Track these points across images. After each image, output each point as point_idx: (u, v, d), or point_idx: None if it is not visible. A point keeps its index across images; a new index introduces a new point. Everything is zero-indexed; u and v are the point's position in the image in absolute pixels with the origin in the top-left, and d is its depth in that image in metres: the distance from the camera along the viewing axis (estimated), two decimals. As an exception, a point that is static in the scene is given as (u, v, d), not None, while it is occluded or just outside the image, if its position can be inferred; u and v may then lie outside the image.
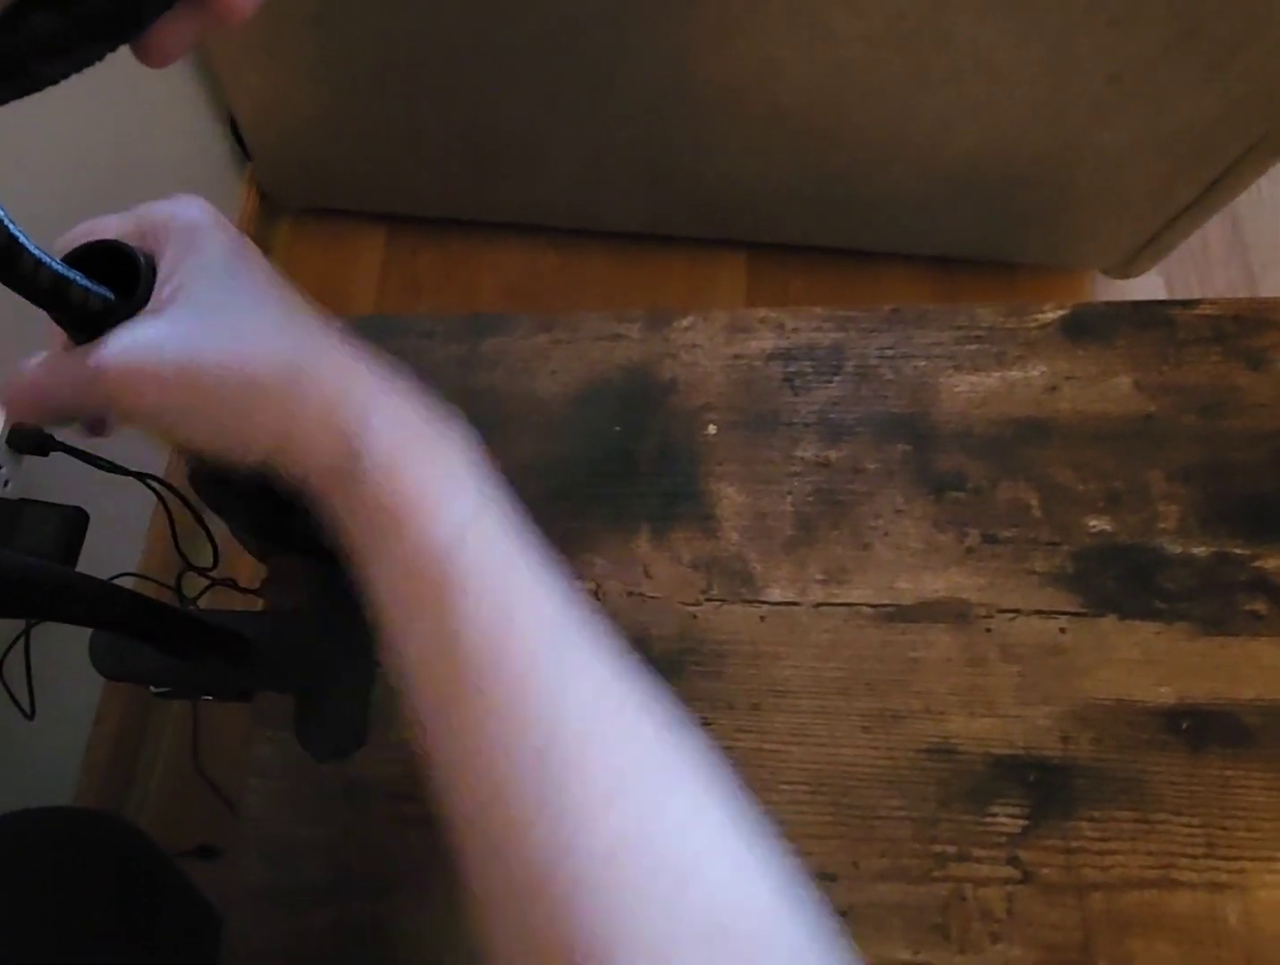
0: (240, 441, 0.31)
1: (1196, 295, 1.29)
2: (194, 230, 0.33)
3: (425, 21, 0.97)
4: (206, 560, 0.51)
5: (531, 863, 0.26)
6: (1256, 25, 0.87)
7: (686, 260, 1.31)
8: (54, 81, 0.23)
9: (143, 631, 0.40)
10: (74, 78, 0.24)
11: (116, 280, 0.32)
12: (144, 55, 0.25)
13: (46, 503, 0.45)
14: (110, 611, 0.37)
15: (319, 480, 0.31)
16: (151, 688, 0.50)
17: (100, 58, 0.23)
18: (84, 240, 0.33)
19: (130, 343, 0.31)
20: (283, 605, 0.53)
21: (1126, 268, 1.23)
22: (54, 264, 0.29)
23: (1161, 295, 1.30)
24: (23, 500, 0.46)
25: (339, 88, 1.09)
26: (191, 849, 0.91)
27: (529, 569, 0.30)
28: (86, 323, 0.31)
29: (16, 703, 0.55)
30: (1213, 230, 1.30)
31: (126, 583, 0.40)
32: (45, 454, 0.49)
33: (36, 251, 0.28)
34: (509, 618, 0.28)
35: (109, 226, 0.33)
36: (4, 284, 0.28)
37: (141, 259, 0.32)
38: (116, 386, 0.30)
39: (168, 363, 0.30)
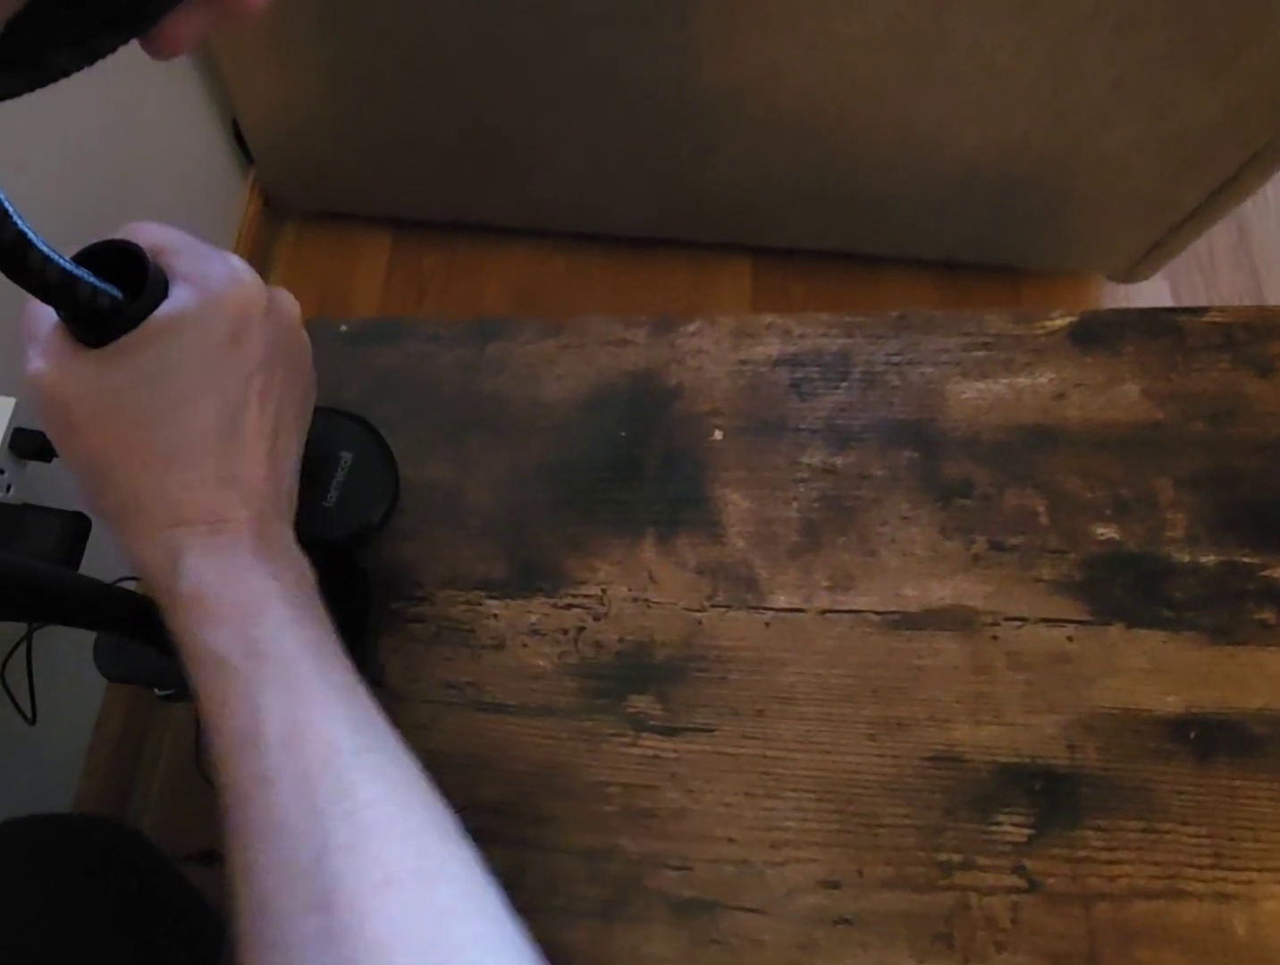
0: (94, 505, 0.35)
1: (1202, 301, 1.29)
2: (220, 301, 0.33)
3: (429, 24, 0.97)
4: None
5: (308, 954, 0.27)
6: (1259, 30, 0.87)
7: (690, 264, 1.31)
8: (68, 73, 0.24)
9: (146, 634, 0.40)
10: (77, 79, 0.24)
11: (125, 280, 0.32)
12: (151, 47, 0.25)
13: (49, 508, 0.45)
14: (112, 614, 0.37)
15: (148, 582, 0.34)
16: (155, 690, 0.50)
17: (114, 49, 0.24)
18: (128, 235, 0.34)
19: (67, 370, 0.32)
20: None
21: (1131, 272, 1.22)
22: (62, 261, 0.29)
23: (1167, 301, 1.30)
24: (25, 505, 0.45)
25: (343, 90, 1.09)
26: (194, 853, 0.91)
27: (332, 679, 0.33)
28: (95, 321, 0.31)
29: (18, 707, 0.55)
30: (1219, 236, 1.30)
31: (129, 587, 0.40)
32: (48, 459, 0.49)
33: (45, 248, 0.28)
34: (309, 723, 0.31)
35: (150, 233, 0.34)
36: (13, 281, 0.28)
37: (151, 260, 0.32)
38: (42, 401, 0.33)
39: (85, 408, 0.33)
